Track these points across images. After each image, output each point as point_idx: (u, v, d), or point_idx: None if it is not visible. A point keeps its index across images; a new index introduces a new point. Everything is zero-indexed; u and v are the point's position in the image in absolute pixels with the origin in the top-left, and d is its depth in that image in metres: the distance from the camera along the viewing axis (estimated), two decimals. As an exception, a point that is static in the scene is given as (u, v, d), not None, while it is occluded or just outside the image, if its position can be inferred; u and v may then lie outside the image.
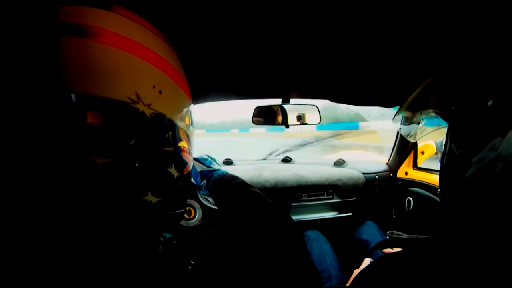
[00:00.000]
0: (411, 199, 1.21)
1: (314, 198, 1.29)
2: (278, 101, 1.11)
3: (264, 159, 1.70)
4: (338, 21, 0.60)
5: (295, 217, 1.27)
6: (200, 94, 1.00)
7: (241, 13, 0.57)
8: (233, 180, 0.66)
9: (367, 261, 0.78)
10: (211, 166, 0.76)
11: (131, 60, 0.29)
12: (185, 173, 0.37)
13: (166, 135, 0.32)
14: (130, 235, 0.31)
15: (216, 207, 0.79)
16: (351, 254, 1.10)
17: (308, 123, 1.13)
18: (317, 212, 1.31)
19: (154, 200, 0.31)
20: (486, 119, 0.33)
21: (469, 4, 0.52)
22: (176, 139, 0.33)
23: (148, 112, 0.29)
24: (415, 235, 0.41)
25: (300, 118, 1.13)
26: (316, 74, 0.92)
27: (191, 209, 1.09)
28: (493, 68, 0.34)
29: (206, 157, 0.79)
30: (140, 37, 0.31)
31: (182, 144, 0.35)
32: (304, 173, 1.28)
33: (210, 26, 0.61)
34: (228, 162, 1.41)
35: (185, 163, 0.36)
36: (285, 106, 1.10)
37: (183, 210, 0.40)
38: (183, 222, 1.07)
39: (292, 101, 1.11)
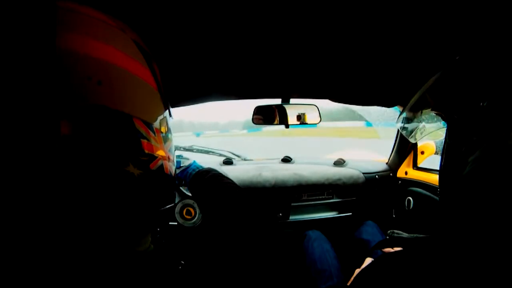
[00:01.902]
0: (411, 199, 1.21)
1: (314, 198, 1.29)
2: (278, 101, 1.11)
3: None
4: (338, 21, 0.60)
5: (295, 217, 1.28)
6: (201, 94, 1.00)
7: (242, 13, 0.57)
8: (208, 173, 0.67)
9: (368, 261, 0.79)
10: (181, 165, 0.76)
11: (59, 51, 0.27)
12: (152, 168, 0.33)
13: (112, 130, 0.29)
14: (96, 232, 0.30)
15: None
16: (352, 254, 1.10)
17: (308, 122, 1.13)
18: (317, 212, 1.31)
19: (112, 202, 0.29)
20: (479, 120, 0.34)
21: (469, 4, 0.52)
22: (130, 132, 0.30)
23: (85, 106, 0.27)
24: (415, 235, 0.41)
25: (300, 118, 1.13)
26: (316, 74, 0.92)
27: (191, 209, 1.08)
28: (487, 71, 0.34)
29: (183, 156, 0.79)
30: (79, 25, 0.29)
31: (143, 136, 0.32)
32: (304, 173, 1.28)
33: (211, 26, 0.61)
34: (228, 162, 1.41)
35: (149, 158, 0.33)
36: (285, 105, 1.10)
37: (168, 206, 0.38)
38: (183, 222, 1.07)
39: (292, 100, 1.11)
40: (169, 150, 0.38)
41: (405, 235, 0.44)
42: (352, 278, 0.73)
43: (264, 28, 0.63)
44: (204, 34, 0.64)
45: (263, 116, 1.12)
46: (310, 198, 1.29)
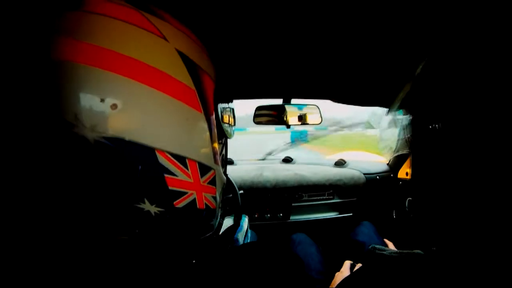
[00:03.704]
0: (411, 199, 1.21)
1: (315, 198, 1.30)
2: (279, 101, 1.11)
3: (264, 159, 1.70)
4: (340, 21, 0.61)
5: (295, 217, 1.28)
6: None
7: (243, 13, 0.57)
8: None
9: (347, 264, 0.76)
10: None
11: (65, 66, 0.22)
12: (177, 205, 0.28)
13: (127, 163, 0.24)
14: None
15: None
16: (347, 256, 1.09)
17: (309, 123, 1.13)
18: (318, 212, 1.31)
19: (124, 238, 0.26)
20: (432, 141, 0.34)
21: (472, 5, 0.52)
22: (149, 167, 0.25)
23: (92, 136, 0.22)
24: (398, 251, 0.40)
25: (301, 118, 1.14)
26: (317, 74, 0.92)
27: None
28: (443, 94, 0.34)
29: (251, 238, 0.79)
30: (92, 31, 0.24)
31: (168, 171, 0.27)
32: (305, 173, 1.28)
33: (212, 26, 0.61)
34: (228, 161, 1.42)
35: (174, 195, 0.28)
36: (286, 106, 1.11)
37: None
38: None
39: (293, 101, 1.11)
40: (211, 182, 0.32)
41: (387, 251, 0.43)
42: (333, 283, 0.72)
43: (266, 28, 0.63)
44: (205, 35, 0.65)
45: (264, 116, 1.12)
46: (310, 198, 1.29)
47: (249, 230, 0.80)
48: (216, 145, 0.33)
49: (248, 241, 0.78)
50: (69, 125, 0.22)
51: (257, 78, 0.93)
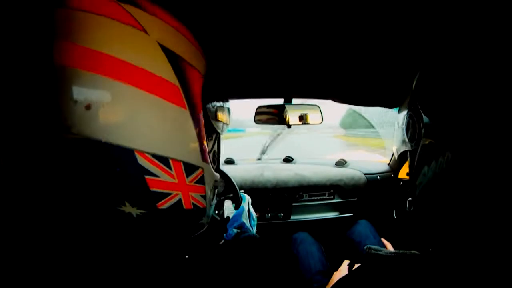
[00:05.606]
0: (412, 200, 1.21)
1: (316, 198, 1.30)
2: (280, 101, 1.11)
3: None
4: (341, 21, 0.60)
5: (296, 217, 1.28)
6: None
7: (243, 13, 0.57)
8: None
9: (345, 264, 0.76)
10: (251, 227, 0.74)
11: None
12: (161, 207, 0.27)
13: (104, 166, 0.23)
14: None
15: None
16: (346, 255, 1.10)
17: (310, 123, 1.13)
18: (318, 212, 1.31)
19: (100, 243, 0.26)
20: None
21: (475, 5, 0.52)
22: (127, 169, 0.24)
23: (67, 138, 0.22)
24: (394, 251, 0.40)
25: (302, 118, 1.14)
26: (318, 74, 0.92)
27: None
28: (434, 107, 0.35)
29: (255, 218, 0.79)
30: (63, 26, 0.22)
31: (149, 172, 0.25)
32: (305, 173, 1.29)
33: (213, 25, 0.61)
34: (229, 161, 1.42)
35: (156, 196, 0.27)
36: (287, 106, 1.11)
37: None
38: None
39: (294, 101, 1.11)
40: (199, 181, 0.31)
41: (383, 251, 0.43)
42: (330, 282, 0.72)
43: (267, 28, 0.63)
44: (206, 34, 0.65)
45: (265, 116, 1.12)
46: (311, 198, 1.29)
47: (251, 211, 0.79)
48: (204, 142, 0.32)
49: (253, 221, 0.78)
50: (44, 126, 0.21)
51: (258, 78, 0.93)
